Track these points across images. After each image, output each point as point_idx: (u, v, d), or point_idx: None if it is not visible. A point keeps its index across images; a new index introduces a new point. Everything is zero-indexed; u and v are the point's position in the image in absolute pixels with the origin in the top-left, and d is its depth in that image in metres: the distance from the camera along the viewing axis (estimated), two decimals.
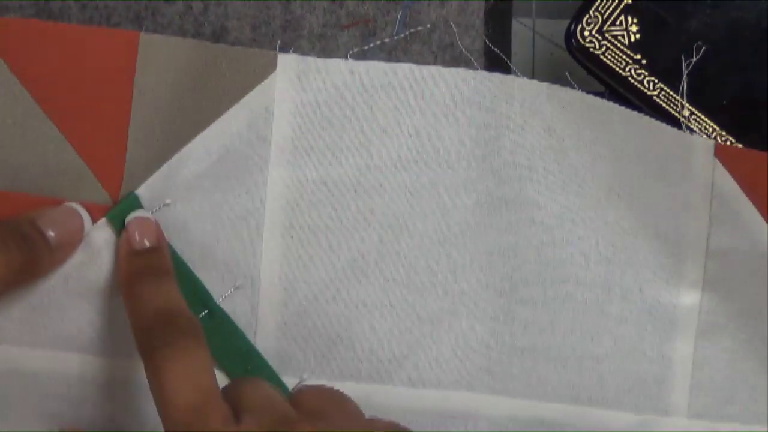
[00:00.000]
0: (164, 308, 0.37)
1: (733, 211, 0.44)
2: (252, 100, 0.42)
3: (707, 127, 0.45)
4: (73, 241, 0.40)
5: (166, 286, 0.38)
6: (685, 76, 0.44)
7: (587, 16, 0.45)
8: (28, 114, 0.40)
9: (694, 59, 0.44)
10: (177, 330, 0.35)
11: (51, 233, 0.39)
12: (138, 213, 0.40)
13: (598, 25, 0.45)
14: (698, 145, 0.44)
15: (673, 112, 0.45)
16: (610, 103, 0.43)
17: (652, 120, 0.43)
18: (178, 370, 0.34)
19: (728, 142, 0.45)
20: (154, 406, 0.41)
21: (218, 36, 0.48)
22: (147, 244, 0.40)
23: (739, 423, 0.46)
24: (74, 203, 0.40)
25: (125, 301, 0.38)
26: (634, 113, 0.43)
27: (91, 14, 0.48)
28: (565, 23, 0.46)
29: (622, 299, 0.45)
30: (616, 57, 0.45)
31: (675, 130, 0.43)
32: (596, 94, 0.44)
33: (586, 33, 0.45)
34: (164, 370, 0.34)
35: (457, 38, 0.48)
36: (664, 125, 0.43)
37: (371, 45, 0.48)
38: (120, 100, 0.40)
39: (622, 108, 0.43)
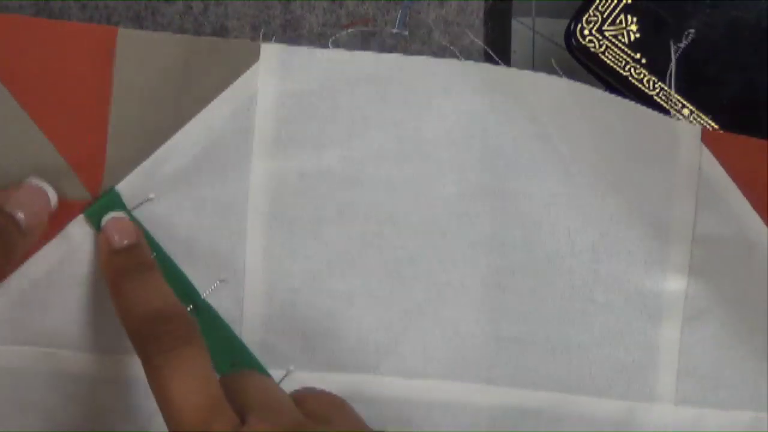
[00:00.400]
0: (156, 307, 0.37)
1: (719, 197, 0.44)
2: (235, 91, 0.42)
3: (707, 126, 0.45)
4: (42, 219, 0.40)
5: (154, 282, 0.38)
6: (673, 62, 0.44)
7: (587, 15, 0.45)
8: (6, 110, 0.40)
9: (683, 45, 0.44)
10: (175, 333, 0.35)
11: (20, 215, 0.38)
12: (113, 214, 0.40)
13: (597, 25, 0.45)
14: (684, 131, 0.43)
15: (673, 111, 0.45)
16: (595, 89, 0.43)
17: (638, 106, 0.43)
18: (181, 377, 0.34)
19: None
20: (142, 402, 0.42)
21: (218, 36, 0.48)
22: (126, 242, 0.40)
23: (725, 409, 0.46)
24: (36, 179, 0.40)
25: (114, 303, 0.38)
26: (620, 99, 0.43)
27: (92, 14, 0.48)
28: (565, 23, 0.46)
29: (608, 286, 0.45)
30: (616, 56, 0.45)
31: (661, 115, 0.43)
32: None
33: (586, 32, 0.45)
34: (166, 377, 0.34)
35: (457, 38, 0.48)
36: (650, 111, 0.43)
37: (371, 44, 0.48)
38: (99, 96, 0.40)
39: (607, 94, 0.43)
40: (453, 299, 0.44)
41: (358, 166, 0.43)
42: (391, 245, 0.43)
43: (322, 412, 0.36)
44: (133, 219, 0.41)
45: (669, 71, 0.44)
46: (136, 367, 0.40)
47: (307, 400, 0.36)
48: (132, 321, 0.37)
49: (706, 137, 0.43)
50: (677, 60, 0.45)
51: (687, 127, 0.44)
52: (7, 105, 0.40)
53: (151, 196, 0.41)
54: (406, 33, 0.48)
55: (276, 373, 0.43)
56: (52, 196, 0.40)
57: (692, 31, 0.45)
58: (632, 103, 0.43)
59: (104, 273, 0.40)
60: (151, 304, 0.37)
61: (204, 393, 0.34)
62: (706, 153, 0.43)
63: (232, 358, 0.42)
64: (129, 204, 0.41)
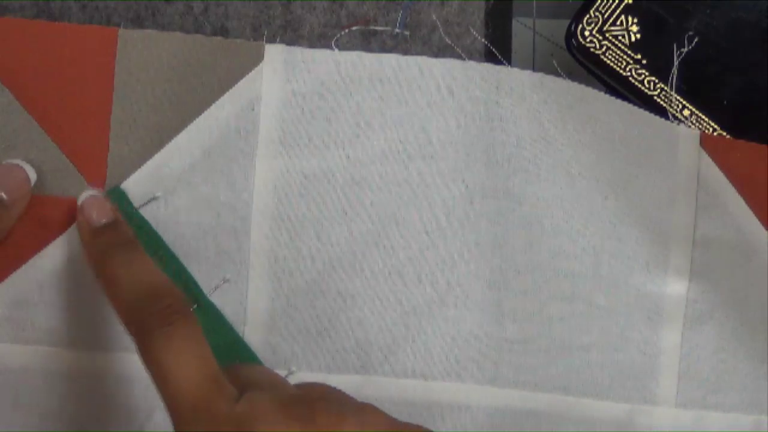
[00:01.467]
0: (145, 284, 0.36)
1: (718, 201, 0.44)
2: (239, 91, 0.42)
3: (707, 127, 0.45)
4: (23, 193, 0.40)
5: (139, 258, 0.38)
6: (675, 66, 0.44)
7: (587, 15, 0.45)
8: (8, 110, 0.40)
9: (686, 49, 0.44)
10: (167, 310, 0.35)
11: (3, 195, 0.39)
12: (88, 192, 0.40)
13: (598, 25, 0.45)
14: (683, 135, 0.44)
15: (673, 111, 0.45)
16: (596, 92, 0.43)
17: (639, 110, 0.43)
18: (177, 353, 0.33)
19: None
20: (141, 401, 0.41)
21: (219, 36, 0.48)
22: (104, 221, 0.40)
23: (727, 412, 0.46)
24: (12, 159, 0.40)
25: (101, 282, 0.38)
26: (621, 102, 0.43)
27: (92, 14, 0.48)
28: (565, 23, 0.46)
29: (609, 289, 0.45)
30: (617, 57, 0.45)
31: (661, 120, 0.43)
32: None
33: (587, 33, 0.45)
34: (161, 355, 0.33)
35: (458, 38, 0.48)
36: (650, 115, 0.43)
37: (372, 44, 0.48)
38: (100, 96, 0.41)
39: (608, 96, 0.43)
40: (455, 300, 0.44)
41: (361, 166, 0.43)
42: (395, 246, 0.43)
43: (320, 392, 0.36)
44: (138, 216, 0.41)
45: (671, 75, 0.44)
46: (135, 365, 0.40)
47: (307, 388, 0.36)
48: (121, 300, 0.36)
49: (705, 141, 0.43)
50: (678, 60, 0.45)
51: (686, 132, 0.44)
52: (9, 106, 0.40)
53: (158, 194, 0.41)
54: (407, 33, 0.48)
55: (278, 373, 0.43)
56: (30, 172, 0.40)
57: (691, 33, 0.45)
58: (633, 106, 0.43)
59: (87, 253, 0.40)
60: (139, 282, 0.36)
61: (201, 367, 0.33)
62: (705, 157, 0.44)
63: (234, 359, 0.42)
64: (135, 203, 0.41)
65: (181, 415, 0.33)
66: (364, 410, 0.35)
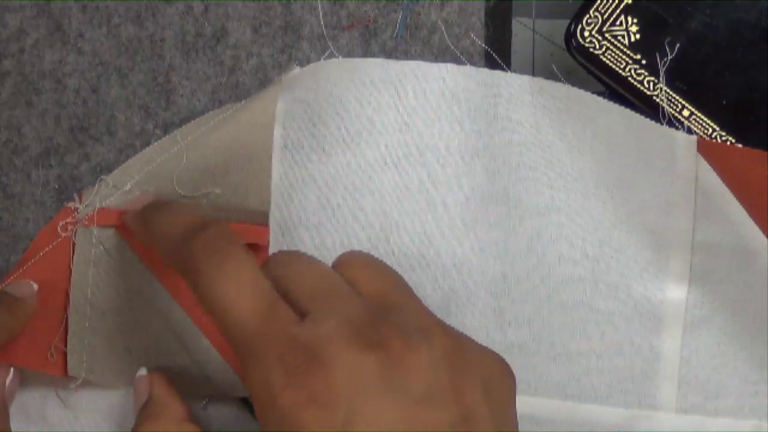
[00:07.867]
0: (187, 221, 0.35)
1: (717, 206, 0.44)
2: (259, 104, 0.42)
3: (707, 127, 0.45)
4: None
5: (176, 206, 0.37)
6: (662, 75, 0.44)
7: (587, 16, 0.45)
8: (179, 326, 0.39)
9: (669, 57, 0.44)
10: (214, 240, 0.33)
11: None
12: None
13: (598, 25, 0.45)
14: (681, 141, 0.43)
15: (673, 112, 0.45)
16: (595, 97, 0.43)
17: (637, 115, 0.43)
18: (229, 280, 0.32)
19: (728, 142, 0.45)
20: None
21: (218, 36, 0.48)
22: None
23: (727, 417, 0.46)
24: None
25: (146, 237, 0.37)
26: (619, 107, 0.43)
27: (92, 15, 0.48)
28: (565, 23, 0.46)
29: (609, 294, 0.45)
30: (616, 57, 0.45)
31: (658, 125, 0.43)
32: (596, 94, 0.44)
33: (586, 33, 0.45)
34: (213, 284, 0.32)
35: (458, 39, 0.48)
36: (647, 120, 0.43)
37: (372, 45, 0.48)
38: None
39: (607, 101, 0.43)
40: (456, 305, 0.44)
41: (363, 172, 0.43)
42: (395, 252, 0.43)
43: (378, 288, 0.34)
44: None
45: (662, 74, 0.44)
46: None
47: (361, 277, 0.34)
48: (167, 241, 0.35)
49: (702, 147, 0.43)
50: (676, 60, 0.45)
51: (683, 137, 0.44)
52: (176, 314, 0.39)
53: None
54: (407, 34, 0.48)
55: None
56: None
57: (691, 33, 0.45)
58: (631, 111, 0.43)
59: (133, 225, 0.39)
60: (182, 221, 0.35)
61: (256, 293, 0.32)
62: (703, 163, 0.43)
63: None
64: None
65: (244, 346, 0.31)
66: (429, 331, 0.32)
